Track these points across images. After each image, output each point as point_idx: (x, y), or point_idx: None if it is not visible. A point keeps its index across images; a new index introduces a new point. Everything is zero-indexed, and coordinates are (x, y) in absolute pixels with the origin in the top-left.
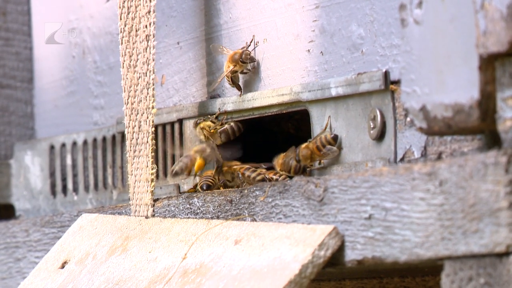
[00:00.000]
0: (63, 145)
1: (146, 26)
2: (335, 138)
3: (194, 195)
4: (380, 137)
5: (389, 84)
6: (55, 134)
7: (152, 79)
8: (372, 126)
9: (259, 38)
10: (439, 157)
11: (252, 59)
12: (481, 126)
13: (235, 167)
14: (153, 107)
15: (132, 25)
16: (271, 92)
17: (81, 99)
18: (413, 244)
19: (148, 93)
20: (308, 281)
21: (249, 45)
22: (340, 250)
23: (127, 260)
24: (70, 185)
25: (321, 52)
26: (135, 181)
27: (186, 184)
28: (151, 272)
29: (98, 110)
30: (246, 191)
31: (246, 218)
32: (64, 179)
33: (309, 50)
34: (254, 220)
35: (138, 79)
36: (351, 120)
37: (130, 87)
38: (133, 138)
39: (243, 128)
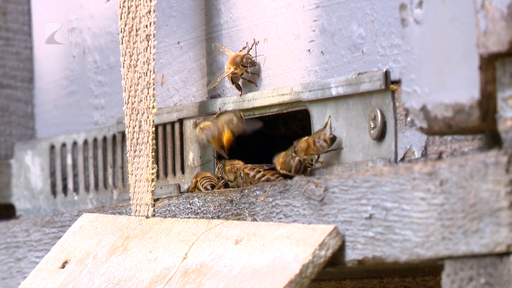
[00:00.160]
0: (64, 145)
1: (146, 26)
2: (333, 139)
3: (195, 194)
4: (380, 137)
5: (390, 84)
6: (56, 134)
7: (153, 79)
8: (372, 126)
9: (259, 38)
10: (440, 157)
11: (253, 63)
12: (482, 126)
13: (238, 166)
14: (153, 107)
15: (133, 25)
16: (271, 92)
17: (81, 99)
18: (414, 244)
19: (148, 93)
20: (308, 281)
21: (251, 48)
22: (340, 250)
23: (128, 260)
24: (70, 185)
25: (322, 52)
26: (136, 181)
27: (186, 183)
28: (152, 272)
29: (99, 110)
30: (246, 190)
31: (246, 218)
32: (64, 179)
33: (309, 50)
34: (255, 220)
35: (138, 79)
36: (352, 120)
37: (130, 87)
38: (133, 138)
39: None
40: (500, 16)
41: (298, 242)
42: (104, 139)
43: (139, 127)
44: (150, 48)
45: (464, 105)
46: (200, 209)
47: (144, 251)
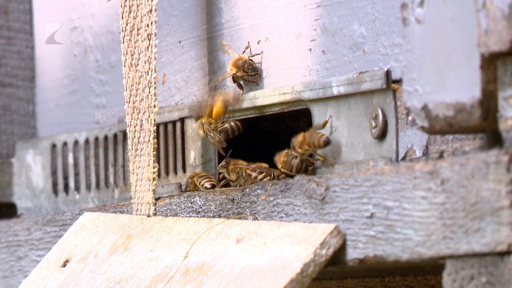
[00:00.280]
0: (65, 143)
1: (147, 25)
2: (326, 142)
3: (196, 193)
4: (381, 136)
5: (391, 83)
6: (57, 132)
7: (154, 78)
8: (373, 125)
9: (260, 37)
10: (441, 156)
11: (255, 70)
12: (483, 125)
13: (241, 166)
14: (154, 106)
15: (134, 24)
16: (272, 91)
17: (82, 97)
18: (415, 243)
19: (149, 92)
20: (309, 280)
21: (254, 55)
22: (341, 249)
23: (129, 259)
24: (72, 184)
25: (323, 51)
26: (137, 179)
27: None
28: (153, 270)
29: (100, 109)
30: (247, 189)
31: (247, 216)
32: (65, 178)
33: (310, 49)
34: (256, 218)
35: (139, 78)
36: (353, 119)
37: (131, 86)
38: (134, 137)
39: (243, 128)
40: (501, 15)
41: (299, 241)
42: (106, 138)
43: (141, 126)
44: (152, 47)
45: (465, 104)
46: (201, 208)
47: (145, 250)
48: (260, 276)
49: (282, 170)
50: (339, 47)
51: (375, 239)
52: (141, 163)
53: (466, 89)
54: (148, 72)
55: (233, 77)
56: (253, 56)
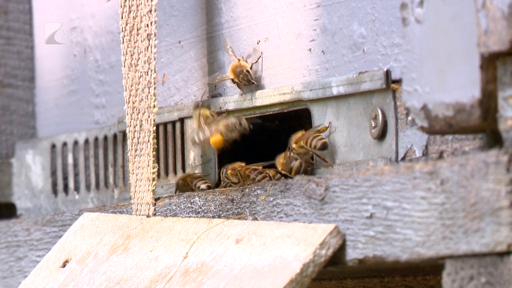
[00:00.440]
0: (65, 144)
1: (147, 25)
2: (323, 147)
3: (195, 194)
4: (381, 136)
5: (391, 83)
6: (56, 133)
7: (154, 78)
8: (373, 125)
9: (260, 37)
10: (441, 156)
11: (249, 82)
12: (483, 125)
13: (238, 168)
14: (154, 106)
15: (134, 24)
16: (272, 91)
17: (82, 98)
18: (414, 243)
19: (149, 92)
20: (309, 280)
21: (256, 61)
22: (341, 249)
23: (128, 259)
24: (71, 184)
25: (323, 51)
26: (137, 180)
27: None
28: (153, 271)
29: (100, 109)
30: (247, 190)
31: (247, 217)
32: (65, 178)
33: (310, 49)
34: (255, 219)
35: (139, 78)
36: (353, 119)
37: (131, 86)
38: (134, 137)
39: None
40: (501, 15)
41: (299, 241)
42: (105, 138)
43: (140, 126)
44: (151, 47)
45: (465, 105)
46: (201, 208)
47: (145, 250)
48: (260, 276)
49: (283, 172)
50: (339, 47)
51: (375, 239)
52: (141, 164)
53: (465, 89)
54: (147, 72)
55: (232, 78)
56: (256, 61)
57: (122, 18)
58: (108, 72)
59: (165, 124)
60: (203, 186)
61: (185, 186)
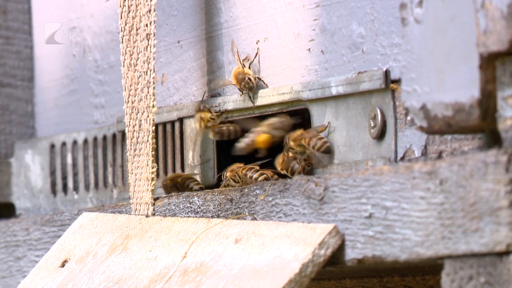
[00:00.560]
0: (64, 143)
1: (146, 25)
2: (327, 151)
3: (194, 194)
4: (380, 136)
5: (390, 83)
6: (56, 133)
7: (153, 78)
8: (372, 125)
9: (259, 37)
10: (440, 156)
11: (251, 89)
12: (482, 125)
13: (236, 169)
14: (153, 106)
15: (133, 24)
16: (271, 91)
17: (81, 98)
18: (413, 243)
19: (148, 92)
20: (308, 280)
21: (252, 61)
22: (340, 249)
23: (128, 259)
24: (70, 184)
25: (322, 51)
26: (136, 180)
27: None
28: (152, 271)
29: (99, 109)
30: (246, 190)
31: (246, 217)
32: (64, 178)
33: (309, 49)
34: (255, 219)
35: (138, 78)
36: (352, 119)
37: (130, 86)
38: (133, 137)
39: (242, 133)
40: (500, 15)
41: (298, 241)
42: (104, 138)
43: (139, 126)
44: (150, 47)
45: (464, 104)
46: (200, 208)
47: (144, 250)
48: (259, 276)
49: (282, 172)
50: (338, 47)
51: (374, 239)
52: (140, 163)
53: (465, 89)
54: (147, 72)
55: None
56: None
57: (121, 18)
58: (107, 72)
59: (164, 124)
60: (196, 187)
61: (174, 187)
